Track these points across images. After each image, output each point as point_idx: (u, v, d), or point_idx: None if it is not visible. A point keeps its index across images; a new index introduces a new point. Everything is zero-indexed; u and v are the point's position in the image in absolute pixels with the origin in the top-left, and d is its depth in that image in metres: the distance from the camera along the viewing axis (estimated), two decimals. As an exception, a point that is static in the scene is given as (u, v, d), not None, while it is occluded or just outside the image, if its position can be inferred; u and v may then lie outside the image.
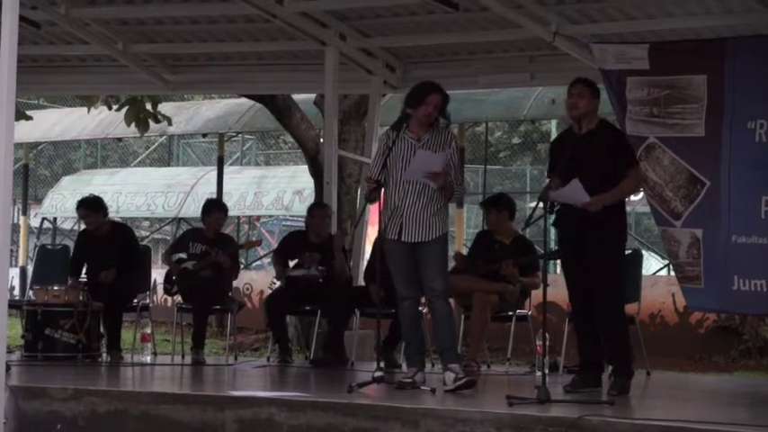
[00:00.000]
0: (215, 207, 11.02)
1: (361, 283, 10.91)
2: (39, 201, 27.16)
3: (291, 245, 10.92)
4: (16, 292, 20.64)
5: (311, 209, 10.96)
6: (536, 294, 9.86)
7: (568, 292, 8.03)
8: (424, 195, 8.06)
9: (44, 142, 26.29)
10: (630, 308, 9.16)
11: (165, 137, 26.09)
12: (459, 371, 7.95)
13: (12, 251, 21.55)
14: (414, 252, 8.09)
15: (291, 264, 10.71)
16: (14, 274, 21.41)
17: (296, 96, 14.03)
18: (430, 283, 8.09)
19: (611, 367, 8.06)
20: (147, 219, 28.17)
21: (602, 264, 7.86)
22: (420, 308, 8.57)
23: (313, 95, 14.00)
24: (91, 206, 10.92)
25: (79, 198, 11.38)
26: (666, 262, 17.43)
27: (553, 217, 7.84)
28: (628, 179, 7.93)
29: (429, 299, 8.22)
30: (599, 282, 7.87)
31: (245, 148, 28.10)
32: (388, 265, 8.21)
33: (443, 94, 8.19)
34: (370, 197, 8.21)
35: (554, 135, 24.28)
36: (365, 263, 11.32)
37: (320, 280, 10.38)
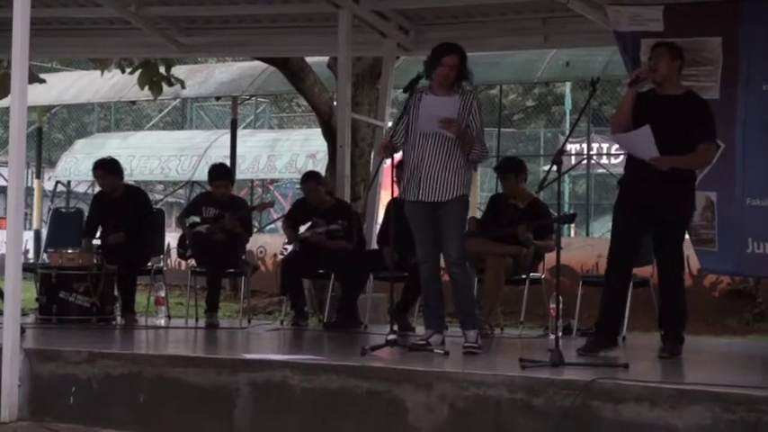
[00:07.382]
0: (215, 176, 10.84)
1: (375, 246, 10.90)
2: (52, 164, 27.23)
3: (300, 211, 10.89)
4: (30, 255, 20.74)
5: (301, 183, 10.94)
6: (549, 257, 9.85)
7: (615, 247, 7.90)
8: (442, 154, 7.89)
9: (58, 105, 26.33)
10: (644, 271, 9.14)
11: (178, 100, 26.08)
12: (473, 338, 7.96)
13: (26, 214, 21.59)
14: (433, 213, 7.96)
15: (303, 228, 10.68)
16: (28, 237, 21.50)
17: (309, 59, 13.98)
18: (446, 250, 8.01)
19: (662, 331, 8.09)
20: (160, 182, 28.22)
21: (673, 229, 7.87)
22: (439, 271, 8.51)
23: (326, 58, 13.95)
24: (108, 168, 10.91)
25: (94, 161, 11.38)
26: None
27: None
28: (699, 152, 7.79)
29: (446, 265, 8.14)
30: (667, 246, 7.89)
31: (258, 112, 28.08)
32: (411, 227, 8.10)
33: (461, 54, 7.98)
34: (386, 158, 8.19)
35: (568, 98, 24.30)
36: (378, 226, 11.32)
37: (341, 233, 10.30)
